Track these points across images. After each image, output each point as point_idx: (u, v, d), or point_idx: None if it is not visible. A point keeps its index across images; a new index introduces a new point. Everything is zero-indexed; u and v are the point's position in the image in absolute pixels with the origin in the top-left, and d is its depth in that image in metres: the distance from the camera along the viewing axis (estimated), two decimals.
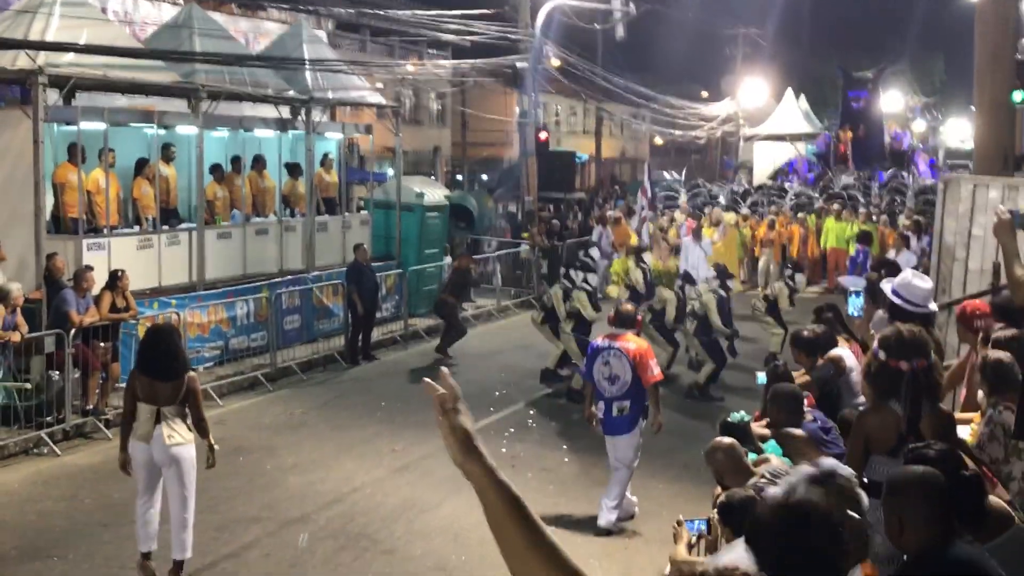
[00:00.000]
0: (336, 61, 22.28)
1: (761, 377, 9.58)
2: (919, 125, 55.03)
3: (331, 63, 21.26)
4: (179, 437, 8.58)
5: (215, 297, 16.66)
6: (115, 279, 13.95)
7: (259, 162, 19.24)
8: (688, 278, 17.77)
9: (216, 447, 8.99)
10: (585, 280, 15.91)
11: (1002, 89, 13.38)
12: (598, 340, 10.77)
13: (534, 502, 9.04)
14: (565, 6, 29.81)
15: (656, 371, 10.38)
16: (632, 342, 10.47)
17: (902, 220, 25.21)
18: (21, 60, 14.07)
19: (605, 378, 10.31)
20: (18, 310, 12.67)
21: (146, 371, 8.61)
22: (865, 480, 5.10)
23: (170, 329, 9.74)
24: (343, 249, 20.07)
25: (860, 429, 5.37)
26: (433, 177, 36.17)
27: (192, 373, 8.92)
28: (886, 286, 7.24)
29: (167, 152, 17.25)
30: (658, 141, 58.41)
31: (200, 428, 8.78)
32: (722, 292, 16.09)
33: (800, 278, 18.56)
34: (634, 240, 23.92)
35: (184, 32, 17.99)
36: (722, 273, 16.48)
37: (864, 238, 22.69)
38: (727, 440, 6.32)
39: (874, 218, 26.45)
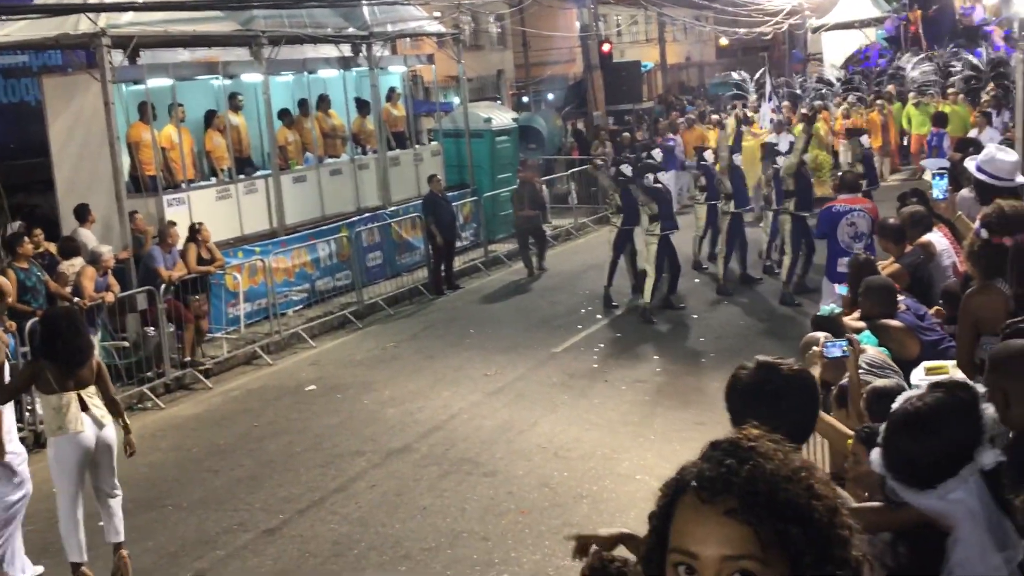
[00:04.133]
0: None
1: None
2: None
3: None
4: (106, 418, 8.11)
5: (297, 241, 16.83)
6: (194, 232, 14.18)
7: (324, 102, 19.28)
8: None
9: (130, 427, 8.41)
10: (656, 181, 15.51)
11: None
12: (836, 204, 11.81)
13: (629, 413, 9.20)
14: None
15: None
16: (869, 203, 11.88)
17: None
18: (83, 24, 14.17)
19: (850, 237, 11.30)
20: (109, 271, 12.94)
21: (57, 357, 7.88)
22: (977, 361, 5.03)
23: (71, 311, 9.01)
24: (417, 182, 20.11)
25: (968, 310, 5.25)
26: (499, 101, 35.96)
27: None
28: (970, 164, 7.06)
29: (235, 102, 17.36)
30: (723, 42, 57.38)
31: (114, 408, 8.26)
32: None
33: (865, 139, 17.80)
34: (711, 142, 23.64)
35: None
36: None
37: (939, 120, 22.05)
38: (819, 335, 6.25)
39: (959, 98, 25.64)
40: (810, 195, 15.38)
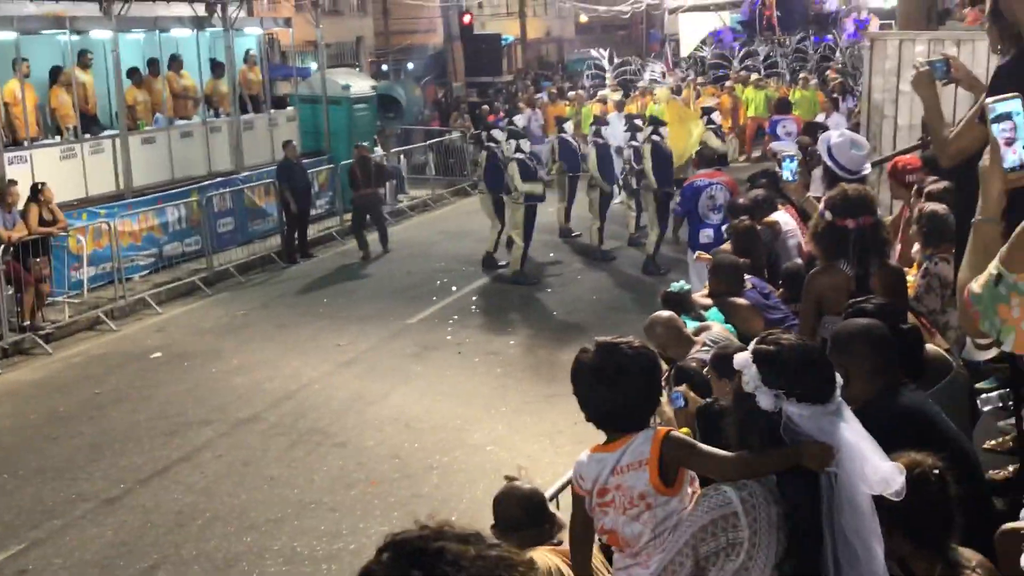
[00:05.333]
0: None
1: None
2: None
3: None
4: None
5: (145, 204, 16.34)
6: (36, 192, 13.63)
7: (176, 62, 18.74)
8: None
9: None
10: (518, 148, 15.54)
11: None
12: (696, 180, 12.19)
13: (482, 385, 9.20)
14: None
15: None
16: (725, 175, 12.34)
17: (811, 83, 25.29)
18: None
19: (711, 209, 11.70)
20: None
21: None
22: (819, 340, 5.18)
23: None
24: (272, 147, 19.73)
25: (811, 290, 5.41)
26: (358, 68, 35.51)
27: None
28: (822, 146, 7.24)
29: (83, 59, 16.72)
30: (583, 19, 57.78)
31: None
32: (656, 138, 15.68)
33: (716, 116, 18.38)
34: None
35: None
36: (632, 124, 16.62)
37: (782, 107, 22.38)
38: (665, 314, 6.34)
39: (810, 83, 26.33)
40: (669, 172, 15.78)
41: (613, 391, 3.57)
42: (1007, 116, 2.75)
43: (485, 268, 16.26)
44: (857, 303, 4.60)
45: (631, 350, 3.63)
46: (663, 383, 5.34)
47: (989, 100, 2.83)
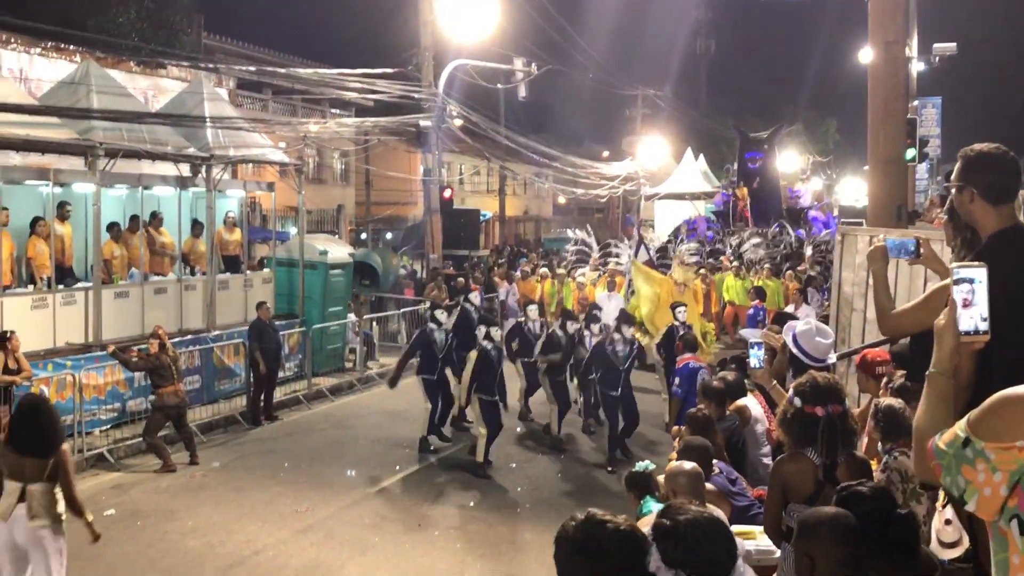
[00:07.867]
0: (237, 118, 22.04)
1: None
2: (815, 184, 56.41)
3: (232, 120, 21.02)
4: (43, 519, 7.83)
5: (111, 357, 16.19)
6: (3, 341, 13.52)
7: (156, 219, 18.92)
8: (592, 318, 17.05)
9: (92, 521, 8.24)
10: (488, 335, 14.80)
11: (894, 146, 13.72)
12: (691, 362, 12.67)
13: (440, 561, 9.02)
14: (468, 66, 30.03)
15: None
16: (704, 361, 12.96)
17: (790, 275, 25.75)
18: None
19: None
20: None
21: (16, 445, 7.85)
22: (784, 528, 5.12)
23: (43, 400, 8.91)
24: (245, 307, 19.77)
25: (778, 477, 5.37)
26: (337, 235, 35.94)
27: (65, 446, 8.11)
28: (787, 334, 7.31)
29: (62, 210, 16.87)
30: (561, 200, 59.02)
31: (73, 507, 8.02)
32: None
33: (681, 312, 17.98)
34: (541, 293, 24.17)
35: (81, 89, 17.68)
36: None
37: (760, 293, 22.96)
38: (689, 465, 6.24)
39: (780, 273, 26.80)
40: (616, 374, 15.00)
41: (592, 570, 3.47)
42: (968, 280, 2.98)
43: (421, 452, 15.62)
44: (851, 486, 4.50)
45: (615, 531, 3.52)
46: None
47: (955, 264, 3.03)
